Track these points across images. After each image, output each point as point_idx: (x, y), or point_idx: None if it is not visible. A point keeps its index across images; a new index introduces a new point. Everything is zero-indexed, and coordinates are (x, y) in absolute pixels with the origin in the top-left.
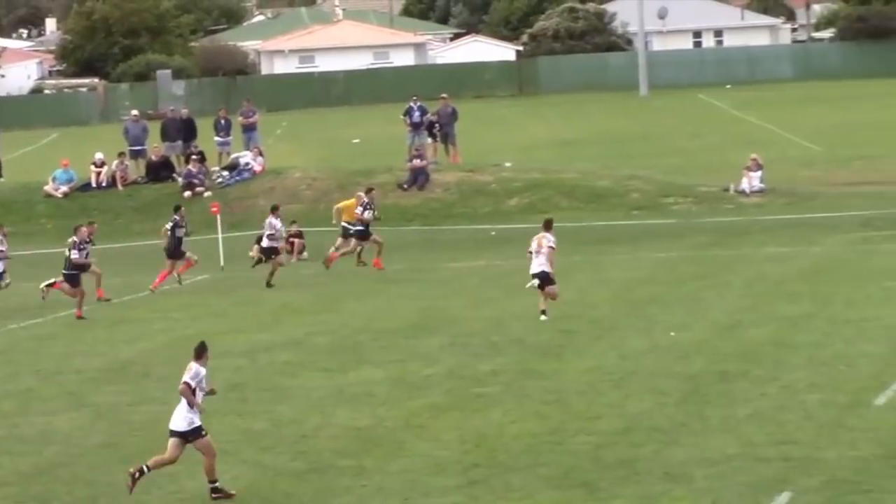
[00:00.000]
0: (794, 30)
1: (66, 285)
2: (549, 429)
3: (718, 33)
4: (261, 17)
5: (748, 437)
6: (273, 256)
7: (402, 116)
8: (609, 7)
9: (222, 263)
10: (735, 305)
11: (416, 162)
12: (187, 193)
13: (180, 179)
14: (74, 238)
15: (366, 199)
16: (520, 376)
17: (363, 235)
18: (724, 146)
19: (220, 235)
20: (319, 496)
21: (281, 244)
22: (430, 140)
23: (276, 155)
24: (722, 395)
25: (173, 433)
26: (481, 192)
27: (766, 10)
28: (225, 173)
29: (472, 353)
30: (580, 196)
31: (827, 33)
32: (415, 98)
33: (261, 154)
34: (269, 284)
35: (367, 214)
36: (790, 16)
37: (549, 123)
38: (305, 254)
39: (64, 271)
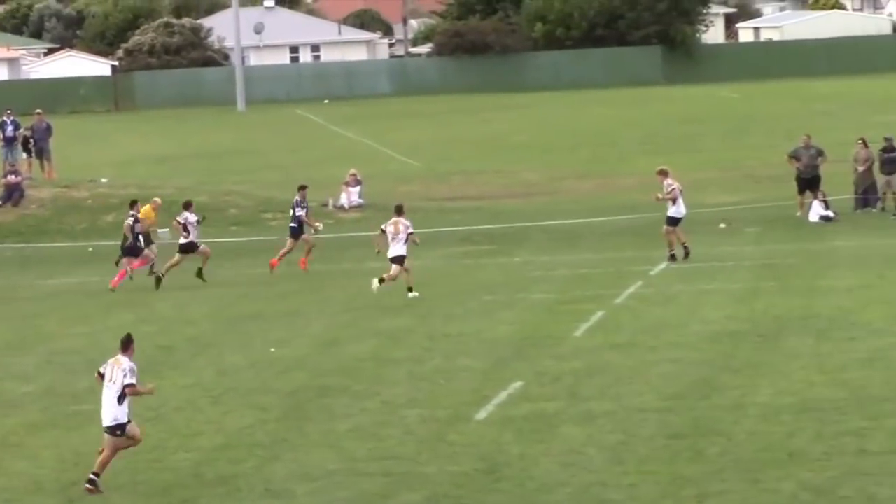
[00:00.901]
0: (391, 45)
1: None
2: (148, 446)
3: (316, 48)
4: None
5: (349, 452)
6: (193, 251)
7: None
8: (205, 22)
9: None
10: (335, 321)
11: (11, 178)
12: None
13: None
14: None
15: (297, 197)
16: None
17: (295, 234)
18: (322, 161)
19: None
20: None
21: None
22: (24, 155)
23: None
24: (322, 411)
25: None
26: (77, 208)
27: (363, 25)
28: None
29: (69, 370)
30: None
31: (424, 48)
32: (8, 112)
33: None
34: (202, 277)
35: (301, 211)
36: (387, 31)
37: (146, 139)
38: None
39: None
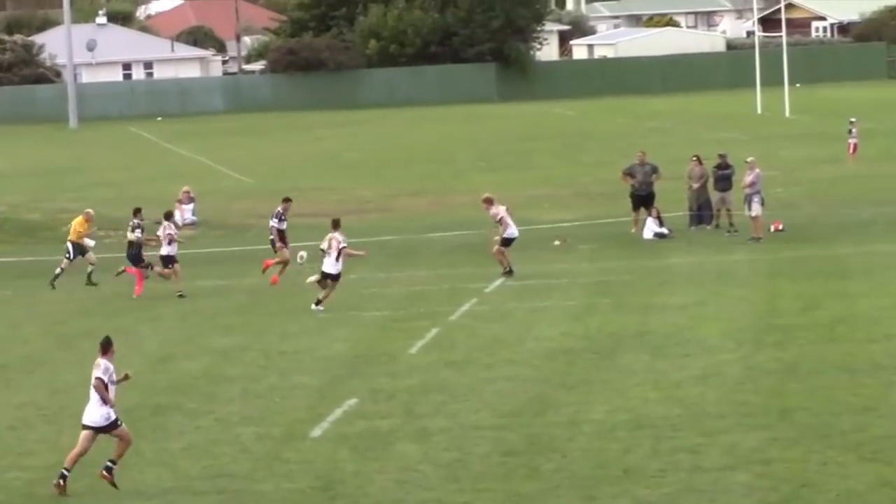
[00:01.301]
0: (224, 62)
1: None
2: None
3: (149, 65)
4: None
5: (183, 470)
6: (172, 265)
7: None
8: (37, 39)
9: None
10: (168, 338)
11: None
12: None
13: None
14: None
15: (279, 209)
16: None
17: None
18: (155, 178)
19: None
20: None
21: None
22: None
23: None
24: (156, 429)
25: (87, 427)
26: None
27: (196, 42)
28: None
29: None
30: (10, 230)
31: (258, 65)
32: None
33: None
34: (181, 295)
35: (281, 224)
36: (220, 48)
37: None
38: None
39: None
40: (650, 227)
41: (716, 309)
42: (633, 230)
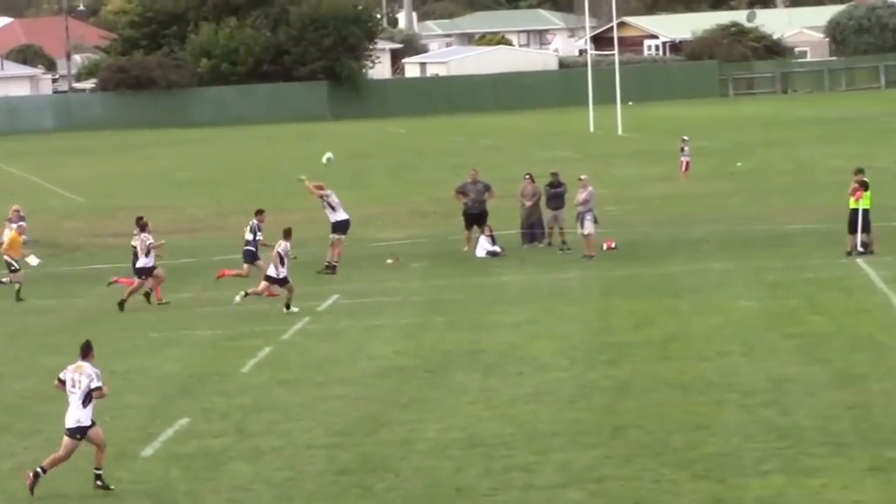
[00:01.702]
0: (55, 80)
1: None
2: None
3: None
4: None
5: (12, 491)
6: (147, 276)
7: None
8: None
9: None
10: None
11: None
12: None
13: None
14: None
15: (254, 222)
16: None
17: (251, 258)
18: None
19: None
20: None
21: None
22: None
23: None
24: None
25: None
26: None
27: (25, 61)
28: None
29: None
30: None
31: (89, 84)
32: None
33: None
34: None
35: (259, 236)
36: (50, 66)
37: None
38: None
39: None
40: (483, 246)
41: (548, 327)
42: (465, 248)
